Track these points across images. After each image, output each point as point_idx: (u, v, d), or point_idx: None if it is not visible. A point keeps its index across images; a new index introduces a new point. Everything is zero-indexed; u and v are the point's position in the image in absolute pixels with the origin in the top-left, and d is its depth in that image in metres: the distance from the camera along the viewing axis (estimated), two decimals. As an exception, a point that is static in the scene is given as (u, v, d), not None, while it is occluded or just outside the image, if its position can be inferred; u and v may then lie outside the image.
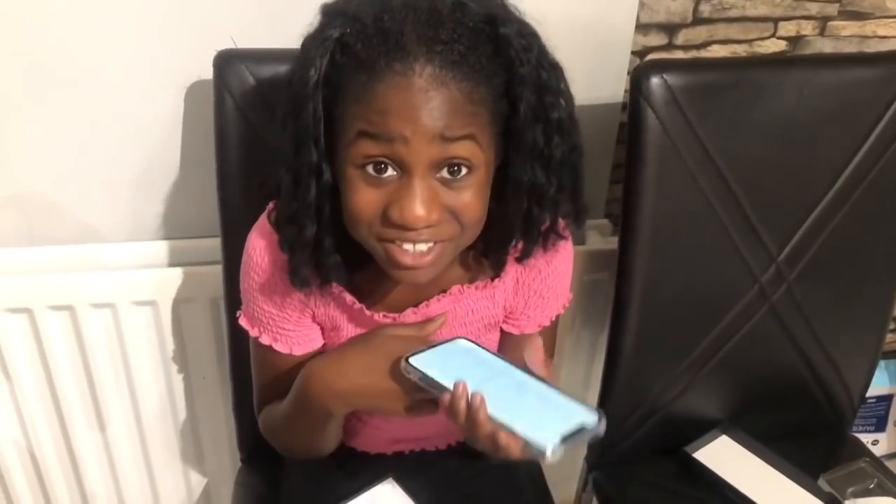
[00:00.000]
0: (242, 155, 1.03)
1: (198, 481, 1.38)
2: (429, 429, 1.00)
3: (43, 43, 1.06)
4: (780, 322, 1.17)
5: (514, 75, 0.72)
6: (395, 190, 0.72)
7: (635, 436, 1.21)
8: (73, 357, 1.20)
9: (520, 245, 0.84)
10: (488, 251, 0.85)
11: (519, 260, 0.85)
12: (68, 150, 1.13)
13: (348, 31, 0.70)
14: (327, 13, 0.74)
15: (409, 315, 0.87)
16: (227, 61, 1.01)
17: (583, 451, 1.27)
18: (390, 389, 0.80)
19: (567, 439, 0.67)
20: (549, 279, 0.91)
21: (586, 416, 0.70)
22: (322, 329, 0.91)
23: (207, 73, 1.02)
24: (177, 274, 1.16)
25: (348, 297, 0.86)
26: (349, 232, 0.78)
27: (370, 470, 0.99)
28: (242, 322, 0.91)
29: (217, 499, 1.39)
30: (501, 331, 0.95)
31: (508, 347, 0.94)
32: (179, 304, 1.18)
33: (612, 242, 1.17)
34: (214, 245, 1.09)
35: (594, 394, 1.21)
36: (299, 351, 0.90)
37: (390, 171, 0.72)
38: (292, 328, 0.89)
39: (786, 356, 1.20)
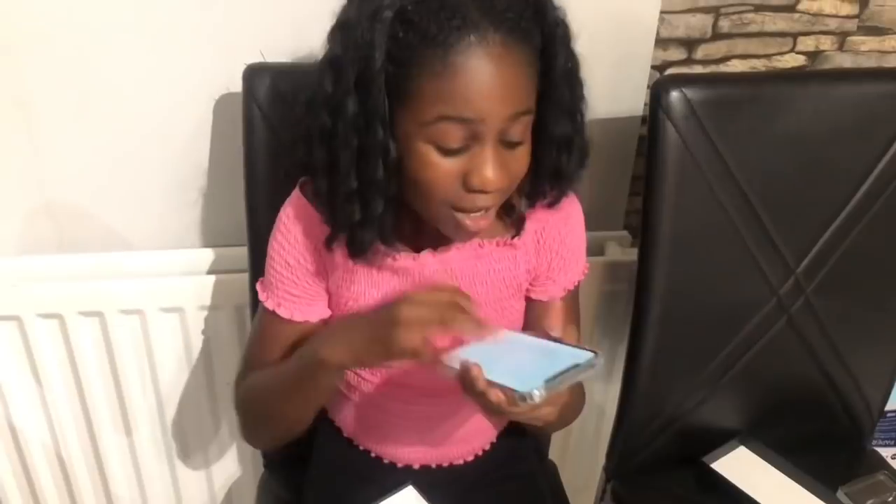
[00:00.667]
0: (270, 165, 1.05)
1: (221, 486, 1.40)
2: (453, 422, 1.00)
3: (76, 57, 1.09)
4: (799, 334, 1.17)
5: (552, 36, 0.77)
6: (470, 158, 0.76)
7: (653, 446, 1.22)
8: (101, 362, 1.23)
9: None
10: (517, 206, 0.89)
11: (550, 205, 0.90)
12: (100, 160, 1.16)
13: (408, 6, 0.72)
14: None
15: (427, 256, 0.89)
16: (255, 74, 1.04)
17: (601, 461, 1.28)
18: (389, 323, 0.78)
19: (554, 379, 0.70)
20: (568, 239, 0.94)
21: (580, 357, 0.73)
22: (335, 290, 0.92)
23: (237, 85, 1.05)
24: (204, 281, 1.19)
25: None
26: (414, 201, 0.81)
27: (393, 480, 1.00)
28: (258, 287, 0.94)
29: (240, 503, 1.41)
30: (529, 300, 0.97)
31: (536, 318, 0.96)
32: (206, 311, 1.21)
33: (632, 254, 1.19)
34: (241, 253, 1.11)
35: (613, 404, 1.22)
36: (300, 317, 0.92)
37: (462, 141, 0.76)
38: (299, 294, 0.91)
39: (804, 368, 1.20)
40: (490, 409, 0.74)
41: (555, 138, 0.82)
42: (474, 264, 0.91)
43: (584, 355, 0.73)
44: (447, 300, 0.76)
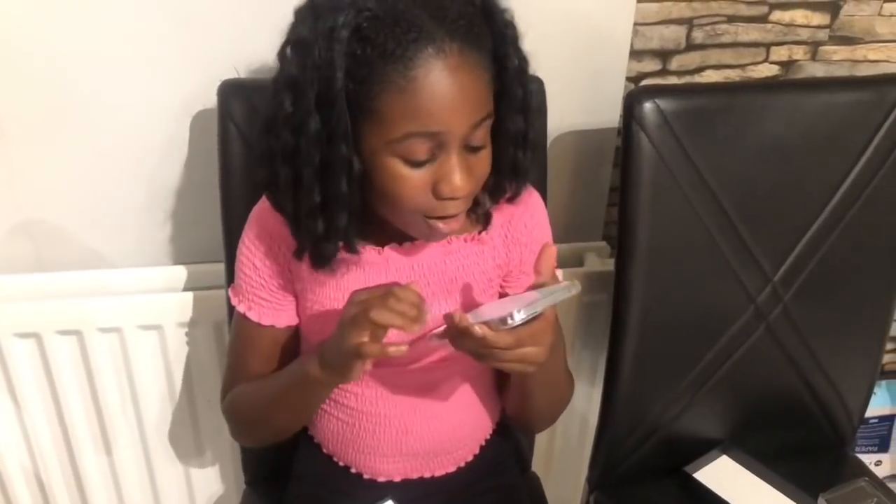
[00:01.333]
0: (245, 181, 1.05)
1: (203, 503, 1.39)
2: (432, 431, 1.00)
3: (52, 73, 1.09)
4: (777, 342, 1.18)
5: (503, 38, 0.79)
6: (437, 167, 0.78)
7: (636, 456, 1.22)
8: (80, 381, 1.22)
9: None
10: (482, 202, 0.90)
11: (511, 199, 0.91)
12: (76, 178, 1.16)
13: (363, 23, 0.72)
14: (315, 9, 0.75)
15: (391, 251, 0.90)
16: (230, 91, 1.04)
17: (584, 472, 1.27)
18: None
19: (532, 303, 0.74)
20: (535, 231, 0.96)
21: (555, 288, 0.77)
22: (300, 292, 0.93)
23: (212, 102, 1.05)
24: (182, 298, 1.19)
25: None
26: (382, 210, 0.83)
27: (374, 495, 1.00)
28: (230, 291, 0.96)
29: (222, 521, 1.40)
30: (505, 297, 0.97)
31: None
32: (184, 328, 1.21)
33: (610, 264, 1.19)
34: (219, 270, 1.11)
35: (595, 414, 1.22)
36: (267, 321, 0.94)
37: (428, 153, 0.77)
38: (266, 297, 0.93)
39: (784, 376, 1.21)
40: (479, 351, 0.77)
41: (511, 135, 0.83)
42: (442, 260, 0.92)
43: (559, 286, 0.77)
44: (380, 298, 0.76)
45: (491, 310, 0.82)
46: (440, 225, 0.82)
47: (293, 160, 0.79)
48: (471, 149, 0.79)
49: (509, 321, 0.73)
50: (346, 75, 0.73)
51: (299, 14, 0.78)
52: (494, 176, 0.86)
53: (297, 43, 0.76)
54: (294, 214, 0.83)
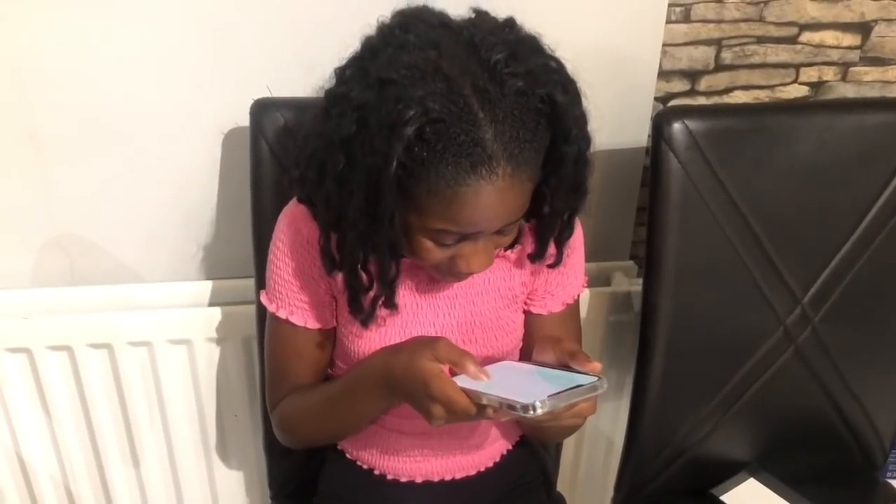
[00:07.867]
0: (277, 198, 1.05)
1: (228, 517, 1.39)
2: (453, 431, 0.99)
3: (88, 92, 1.11)
4: (806, 364, 1.17)
5: (566, 137, 0.77)
6: (462, 246, 0.80)
7: (662, 477, 1.21)
8: (109, 393, 1.24)
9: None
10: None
11: (552, 266, 0.91)
12: (110, 194, 1.18)
13: (427, 128, 0.70)
14: (384, 86, 0.72)
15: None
16: (262, 109, 1.06)
17: (609, 493, 1.27)
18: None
19: (557, 395, 0.73)
20: (566, 256, 0.94)
21: (583, 379, 0.75)
22: (339, 295, 0.93)
23: (244, 120, 1.07)
24: (212, 313, 1.20)
25: None
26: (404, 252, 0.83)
27: (397, 497, 1.01)
28: (263, 299, 0.95)
29: (247, 535, 1.41)
30: (529, 314, 0.98)
31: (536, 332, 0.97)
32: (214, 343, 1.22)
33: (638, 284, 1.19)
34: (248, 285, 1.12)
35: (621, 435, 1.22)
36: (313, 324, 0.93)
37: (458, 240, 0.79)
38: (308, 299, 0.92)
39: (813, 398, 1.20)
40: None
41: (558, 212, 0.85)
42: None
43: (587, 378, 0.75)
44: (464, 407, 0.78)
45: (510, 376, 0.82)
46: (452, 279, 0.87)
47: (338, 217, 0.79)
48: (500, 230, 0.80)
49: (531, 412, 0.71)
50: (398, 163, 0.71)
51: (367, 76, 0.75)
52: (537, 243, 0.89)
53: (361, 107, 0.74)
54: (339, 257, 0.84)
